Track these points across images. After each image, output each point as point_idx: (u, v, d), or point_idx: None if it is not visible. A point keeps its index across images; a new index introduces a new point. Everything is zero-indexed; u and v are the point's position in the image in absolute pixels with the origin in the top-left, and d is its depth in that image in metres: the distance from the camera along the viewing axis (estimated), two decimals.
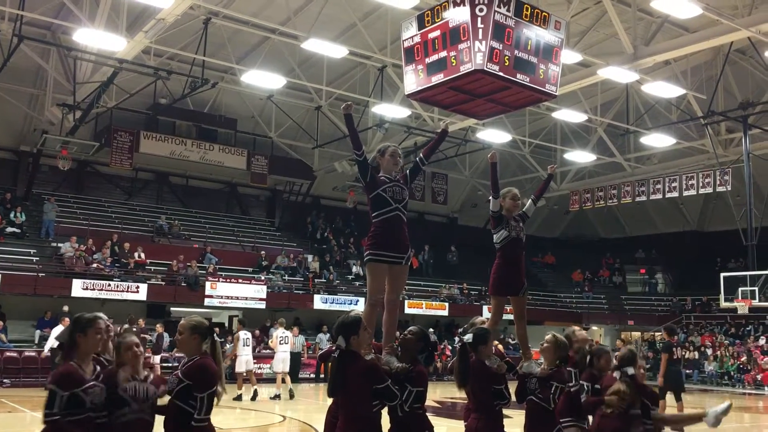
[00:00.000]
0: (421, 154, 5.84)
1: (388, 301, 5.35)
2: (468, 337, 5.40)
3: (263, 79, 21.09)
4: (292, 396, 16.94)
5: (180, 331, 4.48)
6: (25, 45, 18.66)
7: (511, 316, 6.45)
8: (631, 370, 5.75)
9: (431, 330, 26.97)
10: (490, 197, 6.15)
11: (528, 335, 6.19)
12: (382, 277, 5.31)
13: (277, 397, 16.79)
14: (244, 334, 16.87)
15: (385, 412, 4.84)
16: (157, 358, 19.62)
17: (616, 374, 5.82)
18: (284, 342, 17.28)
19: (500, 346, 6.18)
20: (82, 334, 4.20)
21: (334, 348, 4.65)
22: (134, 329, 18.70)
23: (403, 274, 5.47)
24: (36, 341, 20.31)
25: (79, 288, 20.88)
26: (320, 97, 24.93)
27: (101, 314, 4.38)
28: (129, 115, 24.92)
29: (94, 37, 17.24)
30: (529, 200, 6.46)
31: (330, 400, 5.11)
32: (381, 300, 5.32)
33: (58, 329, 17.10)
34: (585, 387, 5.91)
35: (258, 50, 22.74)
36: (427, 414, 5.16)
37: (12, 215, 22.93)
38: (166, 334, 20.82)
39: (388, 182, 5.43)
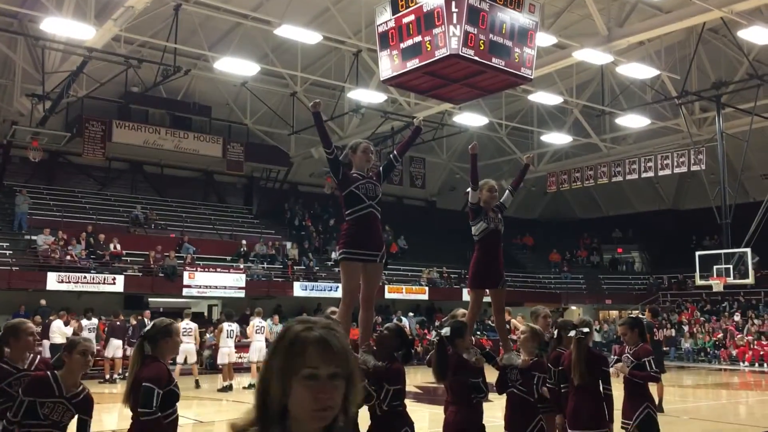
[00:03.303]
0: (395, 151, 5.79)
1: (363, 299, 5.32)
2: (445, 331, 5.40)
3: (237, 66, 20.78)
4: None
5: None
6: None
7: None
8: (585, 330, 5.74)
9: (411, 314, 27.02)
10: (469, 189, 6.10)
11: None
12: (356, 276, 5.25)
13: (251, 386, 16.72)
14: (228, 326, 16.83)
15: (364, 410, 4.78)
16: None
17: (572, 333, 5.82)
18: (260, 332, 17.18)
19: (483, 340, 6.22)
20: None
21: None
22: (117, 322, 18.71)
23: (378, 271, 5.45)
24: None
25: (54, 281, 20.56)
26: (295, 83, 24.68)
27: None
28: (100, 104, 24.48)
29: (61, 26, 16.84)
30: (507, 191, 6.41)
31: None
32: (356, 298, 5.28)
33: (57, 324, 17.40)
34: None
35: (230, 36, 22.42)
36: (408, 399, 5.15)
37: None
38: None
39: (361, 179, 5.37)
